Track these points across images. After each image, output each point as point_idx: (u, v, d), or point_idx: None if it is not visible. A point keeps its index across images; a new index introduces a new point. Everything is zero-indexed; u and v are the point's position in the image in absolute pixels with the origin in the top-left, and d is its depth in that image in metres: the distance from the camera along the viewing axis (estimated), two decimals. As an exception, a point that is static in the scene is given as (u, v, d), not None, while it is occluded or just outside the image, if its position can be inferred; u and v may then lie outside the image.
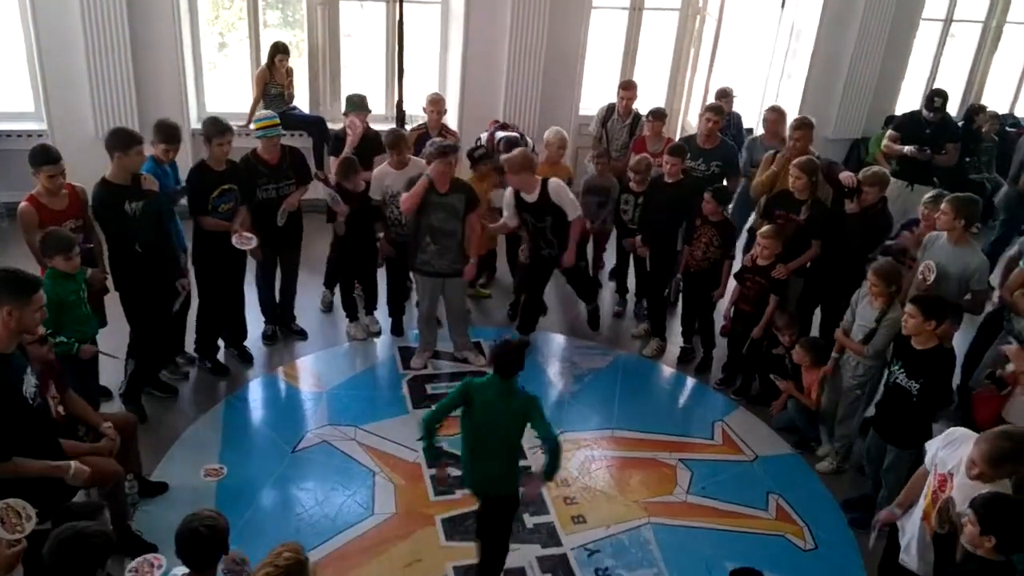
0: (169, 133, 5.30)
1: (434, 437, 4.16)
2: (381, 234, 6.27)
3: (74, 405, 4.25)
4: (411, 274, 6.37)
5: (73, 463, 3.72)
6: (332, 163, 6.33)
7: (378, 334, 6.65)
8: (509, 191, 6.04)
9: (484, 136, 7.13)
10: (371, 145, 6.50)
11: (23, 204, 4.83)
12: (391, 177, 6.12)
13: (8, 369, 3.54)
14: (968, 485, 3.55)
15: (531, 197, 5.95)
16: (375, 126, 6.86)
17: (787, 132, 6.50)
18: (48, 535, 3.07)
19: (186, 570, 3.17)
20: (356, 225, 6.12)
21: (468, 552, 4.55)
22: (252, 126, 5.88)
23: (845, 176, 5.83)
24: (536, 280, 6.46)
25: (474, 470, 4.22)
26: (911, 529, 3.94)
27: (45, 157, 4.78)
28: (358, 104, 6.55)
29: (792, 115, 6.99)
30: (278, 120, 5.87)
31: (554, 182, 5.96)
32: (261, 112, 6.10)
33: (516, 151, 6.02)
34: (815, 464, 5.56)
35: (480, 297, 7.23)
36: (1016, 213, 7.83)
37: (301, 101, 8.14)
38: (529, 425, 4.09)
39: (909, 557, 3.96)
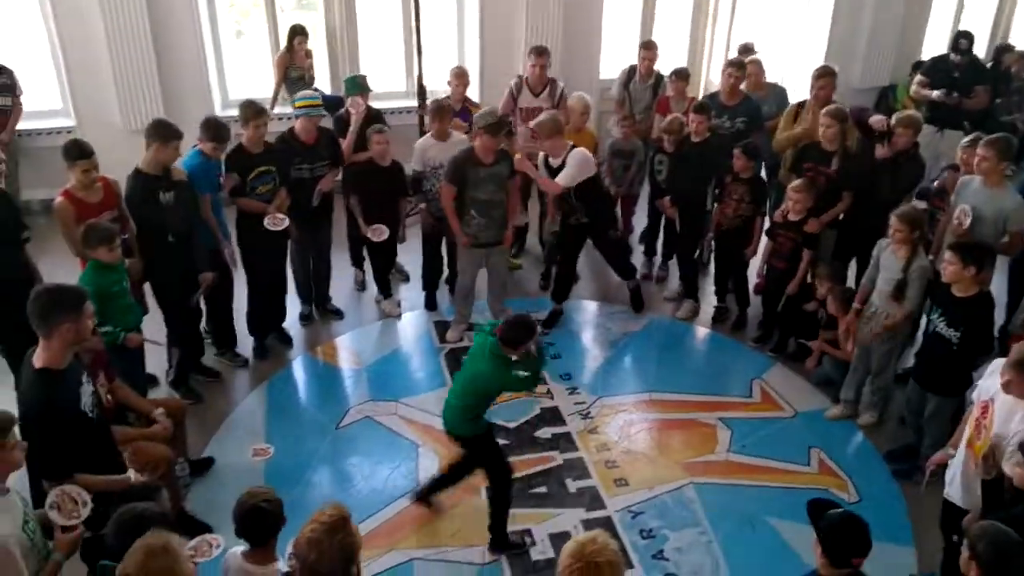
0: (219, 132, 5.34)
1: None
2: (423, 205, 6.29)
3: (123, 393, 4.34)
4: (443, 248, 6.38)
5: (132, 474, 3.77)
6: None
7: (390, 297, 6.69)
8: (540, 156, 6.04)
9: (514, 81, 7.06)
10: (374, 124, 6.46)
11: (59, 199, 4.89)
12: (434, 149, 6.13)
13: (66, 387, 3.54)
14: (1006, 403, 3.61)
15: (557, 161, 5.94)
16: (397, 104, 6.82)
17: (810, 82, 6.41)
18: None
19: (242, 548, 3.23)
20: (379, 200, 6.11)
21: (511, 519, 4.61)
22: (294, 105, 5.86)
23: (876, 120, 5.75)
24: (568, 249, 6.46)
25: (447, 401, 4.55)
26: (955, 462, 3.96)
27: (79, 152, 4.85)
28: (360, 85, 6.52)
29: (815, 66, 6.87)
30: (320, 100, 5.89)
31: (579, 150, 5.92)
32: (303, 92, 6.06)
33: (544, 115, 5.99)
34: (856, 418, 5.53)
35: (511, 268, 7.22)
36: (1049, 152, 7.68)
37: (321, 83, 8.14)
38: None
39: (953, 490, 3.97)
